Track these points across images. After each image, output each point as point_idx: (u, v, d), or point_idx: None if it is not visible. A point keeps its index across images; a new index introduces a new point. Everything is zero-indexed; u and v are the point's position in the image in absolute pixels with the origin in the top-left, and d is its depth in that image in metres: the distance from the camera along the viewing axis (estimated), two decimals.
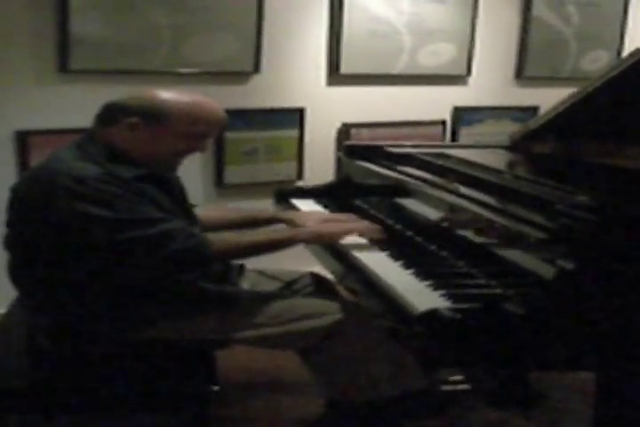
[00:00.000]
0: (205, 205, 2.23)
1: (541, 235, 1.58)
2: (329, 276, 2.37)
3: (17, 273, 1.98)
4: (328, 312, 1.98)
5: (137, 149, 1.92)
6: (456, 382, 2.48)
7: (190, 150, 2.01)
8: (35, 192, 1.83)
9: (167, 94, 1.93)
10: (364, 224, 2.14)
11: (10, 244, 1.96)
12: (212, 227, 2.28)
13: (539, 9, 4.04)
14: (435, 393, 2.41)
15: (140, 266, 1.83)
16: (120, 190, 1.79)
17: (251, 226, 2.33)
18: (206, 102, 1.97)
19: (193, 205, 2.28)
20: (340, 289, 2.28)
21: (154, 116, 1.89)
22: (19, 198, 1.90)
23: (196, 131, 1.95)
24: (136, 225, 1.78)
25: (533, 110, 3.93)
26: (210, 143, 2.05)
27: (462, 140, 4.03)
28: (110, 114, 1.93)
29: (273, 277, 2.31)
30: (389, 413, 1.99)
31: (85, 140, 1.95)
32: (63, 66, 3.02)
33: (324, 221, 2.19)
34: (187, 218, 2.02)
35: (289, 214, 2.36)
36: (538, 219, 1.64)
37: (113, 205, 1.77)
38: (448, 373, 2.50)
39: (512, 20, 4.06)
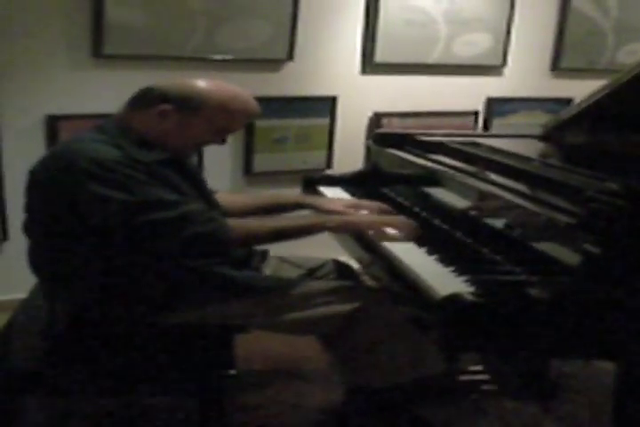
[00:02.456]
0: (229, 191, 2.22)
1: (569, 220, 1.55)
2: (352, 263, 2.35)
3: (36, 258, 1.96)
4: (349, 298, 1.96)
5: (161, 135, 1.90)
6: (475, 371, 2.47)
7: (213, 142, 2.00)
8: (53, 174, 1.81)
9: (207, 85, 1.91)
10: (400, 219, 2.04)
11: (29, 228, 1.95)
12: (238, 212, 2.25)
13: (578, 0, 3.98)
14: (453, 381, 2.39)
15: (158, 249, 1.81)
16: (139, 174, 1.77)
17: (276, 211, 2.30)
18: (244, 97, 1.95)
19: (213, 192, 2.28)
20: (363, 276, 2.26)
21: (189, 105, 1.87)
22: (37, 181, 1.88)
23: (227, 124, 1.95)
24: (154, 208, 1.75)
25: (568, 102, 3.87)
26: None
27: (495, 131, 3.97)
28: (145, 98, 1.91)
29: (295, 264, 2.29)
30: (408, 399, 1.98)
31: (109, 123, 1.93)
32: (97, 50, 3.03)
33: (349, 206, 2.17)
34: (206, 203, 1.99)
35: (313, 199, 2.33)
36: (566, 205, 1.62)
37: (131, 188, 1.74)
38: (467, 362, 2.49)
39: (550, 10, 4.00)
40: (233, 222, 1.89)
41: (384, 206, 2.21)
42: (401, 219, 2.00)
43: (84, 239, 1.84)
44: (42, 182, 1.85)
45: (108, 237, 1.81)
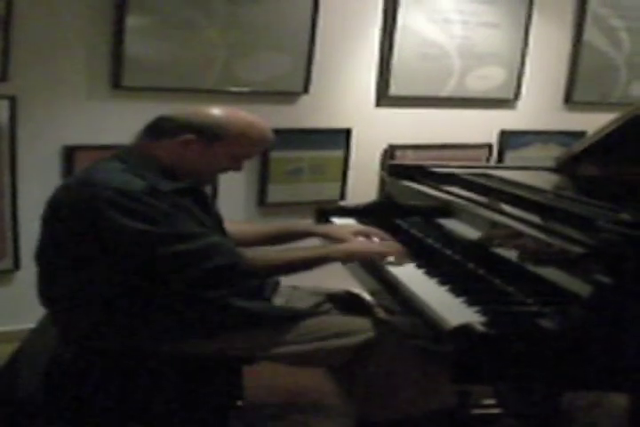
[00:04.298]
0: (237, 220, 2.23)
1: (581, 250, 1.55)
2: (365, 294, 2.35)
3: (46, 287, 1.95)
4: (359, 331, 1.95)
5: (182, 164, 1.92)
6: (486, 405, 2.44)
7: (231, 169, 2.02)
8: (75, 204, 1.80)
9: (226, 113, 1.94)
10: (397, 247, 2.11)
11: (43, 258, 1.94)
12: (249, 242, 2.27)
13: (590, 34, 4.01)
14: (466, 415, 2.36)
15: (179, 281, 1.81)
16: (162, 204, 1.78)
17: (286, 240, 2.32)
18: (261, 124, 1.98)
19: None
20: (375, 308, 2.25)
21: (212, 134, 1.90)
22: (56, 210, 1.87)
23: (246, 151, 1.98)
24: (177, 239, 1.76)
25: (581, 135, 3.85)
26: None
27: (508, 163, 3.98)
28: (164, 127, 1.92)
29: (307, 294, 2.27)
30: None
31: (127, 152, 1.94)
32: (116, 82, 3.07)
33: (358, 233, 2.21)
34: (220, 231, 2.02)
35: (323, 228, 2.36)
36: (578, 235, 1.62)
37: (155, 219, 1.75)
38: (480, 396, 2.46)
39: (563, 45, 4.04)
40: (251, 254, 1.90)
41: (387, 236, 2.25)
42: (393, 244, 2.11)
43: (100, 269, 1.83)
44: (62, 212, 1.84)
45: (125, 268, 1.81)
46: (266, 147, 2.09)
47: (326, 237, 2.25)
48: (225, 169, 2.03)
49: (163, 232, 1.75)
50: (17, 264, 3.09)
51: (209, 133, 1.90)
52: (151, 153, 1.92)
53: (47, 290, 1.95)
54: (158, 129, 1.94)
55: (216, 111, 1.95)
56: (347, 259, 2.12)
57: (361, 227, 2.34)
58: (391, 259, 2.06)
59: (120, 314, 1.86)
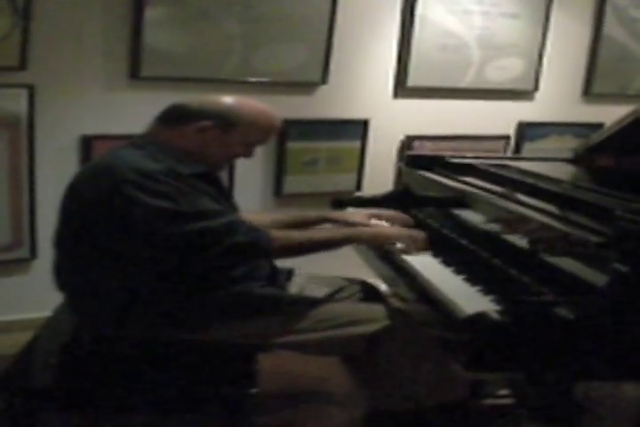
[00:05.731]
0: (253, 211, 2.25)
1: (598, 239, 1.55)
2: (379, 284, 2.35)
3: (63, 272, 1.97)
4: (374, 319, 1.96)
5: (198, 150, 1.94)
6: (500, 395, 2.43)
7: (243, 155, 2.06)
8: (96, 188, 1.83)
9: (238, 102, 1.98)
10: (421, 233, 2.12)
11: (62, 242, 1.96)
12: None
13: (610, 26, 3.98)
14: (479, 405, 2.36)
15: (200, 259, 1.83)
16: (181, 185, 1.81)
17: (301, 227, 2.31)
18: (271, 112, 2.02)
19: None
20: (390, 297, 2.26)
21: (227, 121, 1.93)
22: (77, 195, 1.90)
23: (258, 139, 2.02)
24: (198, 217, 1.79)
25: (599, 127, 3.81)
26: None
27: (525, 154, 3.95)
28: (179, 115, 1.96)
29: (322, 283, 2.28)
30: (432, 423, 1.96)
31: (142, 139, 1.97)
32: (134, 72, 3.08)
33: (372, 216, 2.25)
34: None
35: (338, 214, 2.38)
36: (595, 225, 1.62)
37: (175, 198, 1.78)
38: (493, 386, 2.45)
39: (582, 36, 4.01)
40: (274, 232, 1.92)
41: (404, 216, 2.30)
42: (421, 233, 2.10)
43: (120, 253, 1.85)
44: (83, 196, 1.87)
45: (146, 250, 1.83)
46: (276, 134, 2.14)
47: (341, 221, 2.27)
48: (237, 155, 2.06)
49: (184, 210, 1.78)
50: (34, 253, 3.11)
51: (225, 120, 1.93)
52: (166, 140, 1.95)
53: (65, 276, 1.98)
54: (173, 116, 1.97)
55: (228, 99, 1.98)
56: (372, 241, 2.13)
57: (376, 211, 2.36)
58: (401, 245, 2.07)
59: (138, 301, 1.87)
